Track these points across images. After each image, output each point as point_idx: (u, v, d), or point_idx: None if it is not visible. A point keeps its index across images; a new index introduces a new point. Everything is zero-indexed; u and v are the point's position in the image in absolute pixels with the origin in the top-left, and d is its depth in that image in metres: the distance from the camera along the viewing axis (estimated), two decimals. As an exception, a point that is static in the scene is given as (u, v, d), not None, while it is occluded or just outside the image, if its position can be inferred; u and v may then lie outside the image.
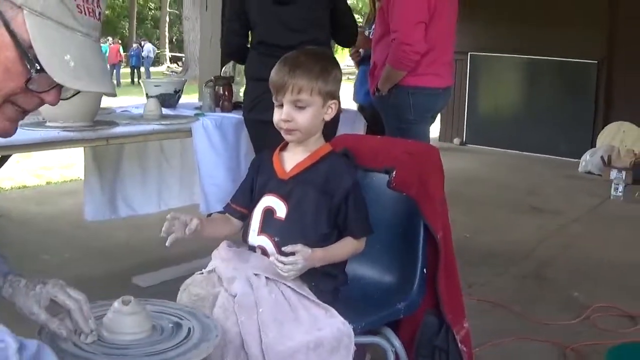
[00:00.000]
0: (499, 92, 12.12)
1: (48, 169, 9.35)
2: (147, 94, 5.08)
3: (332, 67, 2.53)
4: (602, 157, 9.56)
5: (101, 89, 1.58)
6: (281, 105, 2.47)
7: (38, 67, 1.45)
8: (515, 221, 6.96)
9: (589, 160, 9.91)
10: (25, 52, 1.44)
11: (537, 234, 6.44)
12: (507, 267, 5.41)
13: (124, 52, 35.34)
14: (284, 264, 2.27)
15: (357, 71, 7.13)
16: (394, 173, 2.75)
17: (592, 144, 10.52)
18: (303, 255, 2.29)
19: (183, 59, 39.16)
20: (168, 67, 43.74)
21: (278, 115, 2.48)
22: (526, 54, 11.37)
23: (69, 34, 1.48)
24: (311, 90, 2.43)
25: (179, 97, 5.29)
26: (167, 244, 2.35)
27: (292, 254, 2.29)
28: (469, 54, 11.86)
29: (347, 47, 5.03)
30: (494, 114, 12.14)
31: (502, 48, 11.53)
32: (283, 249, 2.34)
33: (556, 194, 8.42)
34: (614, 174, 8.70)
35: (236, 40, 4.64)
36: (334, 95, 2.52)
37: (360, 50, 6.53)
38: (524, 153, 11.32)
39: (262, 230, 2.52)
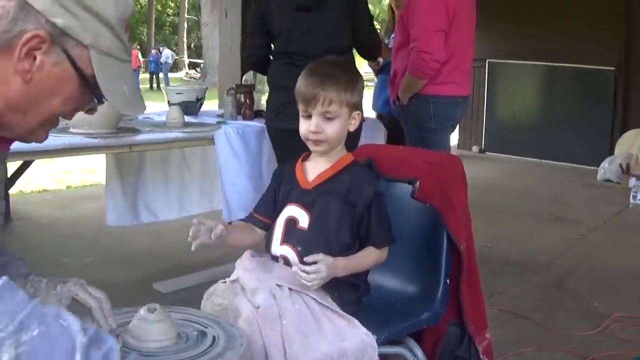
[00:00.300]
0: (517, 100, 12.10)
1: (69, 174, 9.42)
2: (169, 102, 5.11)
3: (357, 77, 2.55)
4: (620, 165, 9.55)
5: (142, 110, 1.81)
6: (309, 117, 2.47)
7: (100, 100, 1.67)
8: (535, 230, 6.94)
9: (607, 168, 9.88)
10: (90, 85, 1.62)
11: (558, 243, 6.43)
12: (528, 276, 5.40)
13: (142, 57, 35.40)
14: (308, 273, 2.28)
15: (376, 79, 7.13)
16: (418, 183, 2.76)
17: (611, 152, 10.48)
18: (326, 264, 2.29)
19: (201, 65, 39.24)
20: (186, 73, 43.85)
21: (306, 127, 2.48)
22: (544, 61, 11.36)
23: (123, 65, 1.67)
24: (340, 102, 2.44)
25: (201, 104, 5.32)
26: (192, 249, 2.37)
27: (314, 263, 2.30)
28: (487, 61, 11.84)
29: (370, 59, 4.94)
30: (512, 122, 12.11)
31: (520, 55, 11.52)
32: (305, 258, 2.34)
33: (575, 202, 8.40)
34: (632, 181, 8.68)
35: (259, 52, 4.65)
36: (359, 106, 2.53)
37: (380, 59, 6.54)
38: (543, 161, 11.30)
39: (285, 240, 2.53)
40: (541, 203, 8.23)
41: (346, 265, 2.40)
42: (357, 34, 4.55)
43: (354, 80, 2.51)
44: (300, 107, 2.50)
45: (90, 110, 1.74)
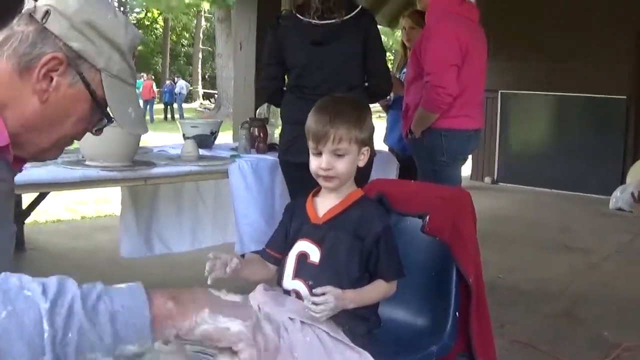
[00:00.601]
0: (529, 130, 12.14)
1: (83, 204, 9.46)
2: (184, 135, 5.17)
3: (365, 114, 2.57)
4: (632, 194, 9.57)
5: (144, 132, 1.92)
6: (319, 154, 2.50)
7: (109, 119, 1.76)
8: (547, 260, 6.95)
9: (619, 197, 9.90)
10: (101, 106, 1.73)
11: (569, 272, 6.45)
12: (539, 306, 5.41)
13: (157, 88, 35.58)
14: (317, 305, 2.31)
15: (386, 114, 7.13)
16: (427, 218, 2.80)
17: (623, 180, 10.52)
18: (334, 295, 2.31)
19: (216, 96, 39.40)
20: (201, 103, 44.01)
21: (316, 164, 2.51)
22: (556, 91, 11.41)
23: (130, 89, 1.78)
24: (350, 139, 2.46)
25: (215, 138, 5.37)
26: (208, 282, 2.38)
27: (323, 295, 2.33)
28: (499, 92, 11.89)
29: (380, 98, 4.92)
30: (524, 152, 12.15)
31: (531, 86, 11.57)
32: (313, 291, 2.36)
33: (587, 231, 8.41)
34: (644, 210, 8.70)
35: (275, 83, 4.68)
36: (367, 142, 2.55)
37: (390, 95, 6.56)
38: (555, 191, 11.33)
39: (296, 274, 2.55)
40: (553, 233, 8.24)
41: (355, 297, 2.42)
42: (369, 71, 4.57)
43: (363, 117, 2.53)
44: (311, 144, 2.52)
45: (98, 131, 1.84)
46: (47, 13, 1.65)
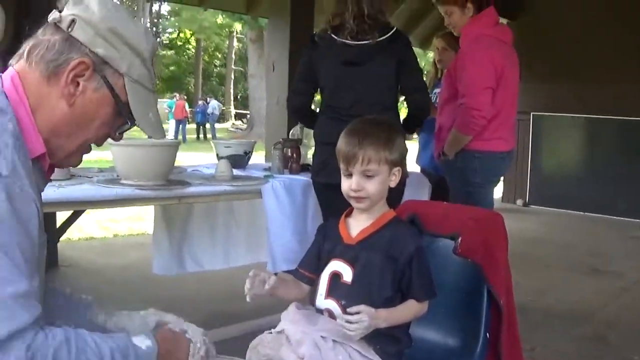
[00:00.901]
0: (561, 152, 12.12)
1: (116, 222, 9.56)
2: (217, 155, 5.21)
3: (395, 135, 2.59)
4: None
5: (163, 136, 2.01)
6: (350, 175, 2.54)
7: (132, 122, 1.84)
8: (578, 283, 6.93)
9: (650, 220, 9.90)
10: (124, 110, 1.81)
11: (599, 296, 6.43)
12: (569, 329, 5.40)
13: (189, 108, 35.76)
14: (351, 323, 2.33)
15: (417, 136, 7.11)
16: (460, 239, 2.82)
17: (654, 204, 10.49)
18: (368, 314, 2.32)
19: (248, 116, 39.52)
20: (233, 124, 44.18)
21: (347, 185, 2.54)
22: (587, 113, 11.40)
23: (149, 94, 1.86)
24: (379, 160, 2.49)
25: (249, 158, 5.40)
26: (248, 300, 2.45)
27: (357, 314, 2.34)
28: (531, 114, 11.88)
29: (421, 116, 4.89)
30: (556, 175, 12.12)
31: (563, 108, 11.57)
32: (348, 309, 2.38)
33: (618, 254, 8.38)
34: (676, 234, 8.66)
35: (301, 98, 4.71)
36: (399, 163, 2.57)
37: None
38: (586, 213, 11.29)
39: (329, 294, 2.57)
40: (584, 256, 8.21)
41: (387, 316, 2.43)
42: (407, 89, 4.58)
43: (393, 138, 2.55)
44: (341, 165, 2.56)
45: (120, 135, 1.92)
46: (72, 22, 1.74)
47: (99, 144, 1.92)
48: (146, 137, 2.35)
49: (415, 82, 4.59)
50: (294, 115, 4.98)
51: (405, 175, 2.66)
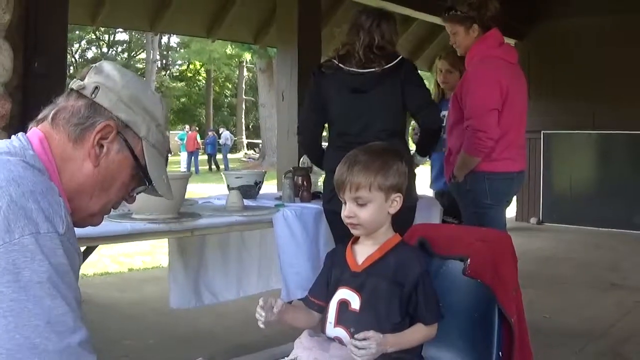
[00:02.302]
0: (573, 169, 12.13)
1: (129, 256, 9.59)
2: (228, 186, 5.23)
3: (393, 161, 2.58)
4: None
5: (171, 198, 2.11)
6: (345, 202, 2.58)
7: (149, 183, 1.93)
8: (594, 299, 6.92)
9: (664, 233, 9.88)
10: (141, 172, 1.89)
11: (616, 311, 6.41)
12: (585, 346, 5.38)
13: (200, 139, 35.88)
14: (358, 349, 2.34)
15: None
16: (469, 261, 2.83)
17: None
18: (376, 340, 2.34)
19: (260, 145, 39.63)
20: (245, 153, 44.29)
21: (343, 211, 2.59)
22: (598, 129, 11.43)
23: (162, 159, 1.97)
24: (369, 186, 2.51)
25: (260, 188, 5.41)
26: (262, 326, 2.50)
27: (365, 339, 2.35)
28: (542, 132, 11.90)
29: (433, 130, 4.80)
30: (569, 192, 12.12)
31: (574, 125, 11.60)
32: (355, 336, 2.39)
33: (634, 269, 8.37)
34: (691, 246, 8.65)
35: (311, 132, 4.78)
36: (398, 189, 2.57)
37: None
38: (601, 229, 11.27)
39: (338, 322, 2.59)
40: (599, 271, 8.21)
41: (395, 341, 2.45)
42: (415, 107, 4.60)
43: (389, 164, 2.56)
44: (338, 192, 2.61)
45: (131, 198, 2.00)
46: (96, 89, 1.84)
47: (116, 207, 1.99)
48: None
49: (421, 99, 4.62)
50: (308, 148, 5.02)
51: (415, 199, 2.68)
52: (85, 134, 1.80)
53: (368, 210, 2.54)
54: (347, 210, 2.56)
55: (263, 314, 2.48)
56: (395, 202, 2.57)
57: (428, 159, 5.04)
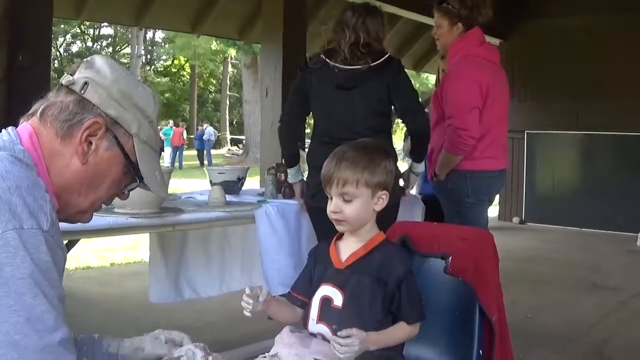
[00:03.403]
0: (556, 170, 12.17)
1: (111, 251, 9.56)
2: (211, 181, 5.23)
3: (380, 158, 2.59)
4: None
5: (166, 195, 2.19)
6: (331, 197, 2.57)
7: (140, 181, 1.93)
8: (575, 299, 6.96)
9: (647, 235, 9.92)
10: (133, 169, 1.88)
11: (598, 311, 6.45)
12: (567, 345, 5.41)
13: (187, 135, 35.72)
14: (341, 345, 2.34)
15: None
16: (450, 259, 2.84)
17: (651, 218, 10.52)
18: (358, 338, 2.34)
19: (244, 141, 39.56)
20: (229, 149, 44.16)
21: (329, 207, 2.58)
22: (582, 129, 11.46)
23: (155, 155, 1.94)
24: (356, 182, 2.51)
25: (242, 184, 5.41)
26: (246, 314, 2.51)
27: (348, 337, 2.35)
28: (525, 132, 11.93)
29: (421, 134, 4.75)
30: (552, 192, 12.17)
31: (557, 125, 11.63)
32: (339, 333, 2.38)
33: (615, 269, 8.43)
34: (673, 247, 8.69)
35: (294, 122, 4.76)
36: (384, 186, 2.57)
37: None
38: (583, 229, 11.33)
39: (321, 318, 2.58)
40: (581, 271, 8.26)
41: (377, 339, 2.44)
42: (402, 110, 4.62)
43: (376, 161, 2.56)
44: (324, 187, 2.61)
45: (124, 195, 1.99)
46: (85, 84, 1.82)
47: (107, 203, 1.98)
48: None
49: (407, 104, 4.60)
50: (286, 138, 4.87)
51: (398, 196, 2.68)
52: (73, 130, 1.79)
53: (354, 206, 2.54)
54: (333, 206, 2.56)
55: (251, 302, 2.49)
56: (382, 200, 2.57)
57: (423, 167, 5.01)
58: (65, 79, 1.84)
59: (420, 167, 4.94)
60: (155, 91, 2.02)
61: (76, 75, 1.84)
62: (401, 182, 4.73)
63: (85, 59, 1.92)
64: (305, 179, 4.84)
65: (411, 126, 4.73)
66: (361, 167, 2.52)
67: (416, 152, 4.82)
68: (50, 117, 1.80)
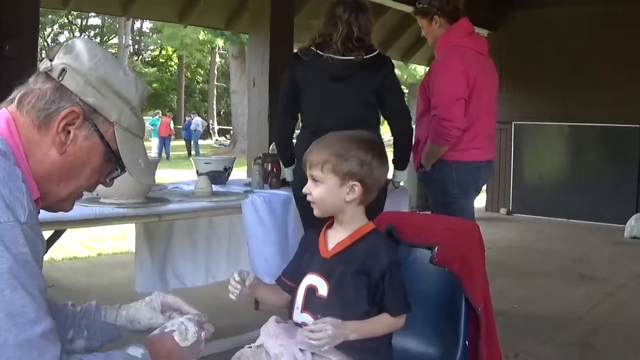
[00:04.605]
0: (543, 161, 12.17)
1: (99, 241, 9.54)
2: (197, 171, 5.22)
3: (356, 148, 2.54)
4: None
5: (152, 182, 2.11)
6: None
7: (122, 169, 1.89)
8: (562, 289, 6.97)
9: (634, 226, 9.95)
10: (114, 157, 1.83)
11: (585, 302, 6.46)
12: (554, 335, 5.42)
13: (174, 125, 35.61)
14: (312, 332, 2.34)
15: None
16: (436, 249, 2.84)
17: (637, 209, 10.54)
18: (332, 323, 2.34)
19: (231, 131, 39.50)
20: (216, 140, 44.09)
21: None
22: (569, 121, 11.47)
23: (139, 141, 1.90)
24: (322, 167, 2.51)
25: (229, 174, 5.40)
26: (233, 298, 2.57)
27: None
28: (512, 123, 11.93)
29: (405, 137, 4.80)
30: (539, 183, 12.18)
31: (545, 116, 11.63)
32: (313, 321, 2.42)
33: (603, 260, 8.43)
34: (659, 238, 8.71)
35: (288, 121, 4.76)
36: (357, 177, 2.52)
37: None
38: (570, 220, 11.36)
39: (305, 307, 2.58)
40: (568, 262, 8.26)
41: (357, 327, 2.43)
42: (389, 111, 4.65)
43: (351, 150, 2.53)
44: None
45: (110, 182, 1.95)
46: (63, 71, 1.77)
47: (90, 190, 1.96)
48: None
49: (398, 104, 4.66)
50: (283, 137, 4.88)
51: (385, 183, 2.68)
52: (49, 120, 1.75)
53: (319, 189, 2.55)
54: (306, 187, 2.59)
55: (239, 287, 2.52)
56: (353, 191, 2.54)
57: (405, 177, 4.98)
58: (43, 65, 1.80)
59: (402, 176, 4.94)
60: (140, 77, 1.98)
61: (55, 61, 1.80)
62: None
63: (65, 43, 1.87)
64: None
65: (397, 129, 4.73)
66: (330, 153, 2.52)
67: (400, 157, 4.82)
68: (27, 106, 1.76)
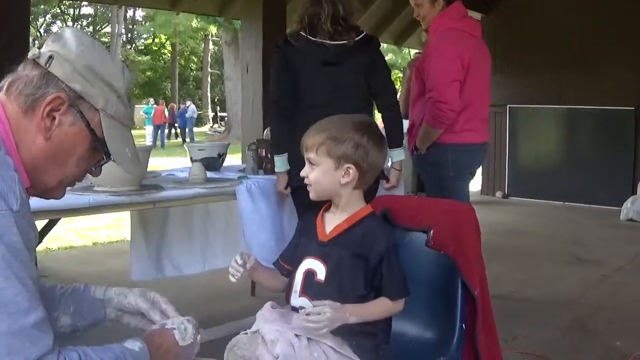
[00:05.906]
0: (539, 144, 12.17)
1: (94, 230, 9.54)
2: (191, 158, 5.20)
3: (353, 132, 2.53)
4: (643, 204, 9.62)
5: (138, 171, 1.94)
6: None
7: (108, 157, 1.88)
8: (559, 272, 6.97)
9: (630, 208, 9.94)
10: (100, 145, 1.83)
11: (581, 284, 6.47)
12: (550, 318, 5.43)
13: (168, 113, 35.57)
14: (309, 315, 2.34)
15: None
16: (432, 232, 2.83)
17: (633, 191, 10.53)
18: (330, 306, 2.33)
19: (225, 119, 39.47)
20: (211, 127, 44.08)
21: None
22: (564, 104, 11.47)
23: (126, 130, 1.89)
24: (317, 149, 2.51)
25: (223, 160, 5.39)
26: (233, 280, 2.57)
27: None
28: (507, 106, 11.92)
29: (394, 117, 4.65)
30: (534, 166, 12.18)
31: (540, 99, 11.62)
32: (312, 303, 2.41)
33: (599, 243, 8.44)
34: (656, 220, 8.72)
35: (282, 88, 4.60)
36: (352, 160, 2.52)
37: None
38: (566, 203, 11.38)
39: (303, 291, 2.57)
40: (564, 245, 8.27)
41: (355, 311, 2.42)
42: (376, 92, 4.60)
43: (345, 133, 2.52)
44: None
45: (97, 170, 1.94)
46: (50, 58, 1.78)
47: (79, 179, 1.94)
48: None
49: (382, 81, 4.62)
50: (278, 119, 4.69)
51: (379, 173, 2.67)
52: (35, 105, 1.75)
53: (315, 172, 2.55)
54: (303, 170, 2.59)
55: (240, 270, 2.53)
56: (348, 175, 2.53)
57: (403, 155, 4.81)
58: (31, 53, 1.81)
59: (400, 155, 4.71)
60: (135, 69, 1.98)
61: (43, 49, 1.81)
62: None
63: (55, 32, 1.88)
64: None
65: (382, 102, 4.65)
66: (325, 136, 2.52)
67: (391, 132, 4.58)
68: (15, 92, 1.77)
